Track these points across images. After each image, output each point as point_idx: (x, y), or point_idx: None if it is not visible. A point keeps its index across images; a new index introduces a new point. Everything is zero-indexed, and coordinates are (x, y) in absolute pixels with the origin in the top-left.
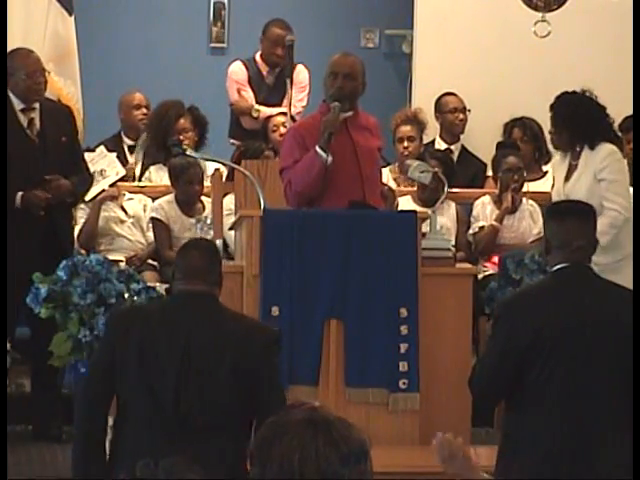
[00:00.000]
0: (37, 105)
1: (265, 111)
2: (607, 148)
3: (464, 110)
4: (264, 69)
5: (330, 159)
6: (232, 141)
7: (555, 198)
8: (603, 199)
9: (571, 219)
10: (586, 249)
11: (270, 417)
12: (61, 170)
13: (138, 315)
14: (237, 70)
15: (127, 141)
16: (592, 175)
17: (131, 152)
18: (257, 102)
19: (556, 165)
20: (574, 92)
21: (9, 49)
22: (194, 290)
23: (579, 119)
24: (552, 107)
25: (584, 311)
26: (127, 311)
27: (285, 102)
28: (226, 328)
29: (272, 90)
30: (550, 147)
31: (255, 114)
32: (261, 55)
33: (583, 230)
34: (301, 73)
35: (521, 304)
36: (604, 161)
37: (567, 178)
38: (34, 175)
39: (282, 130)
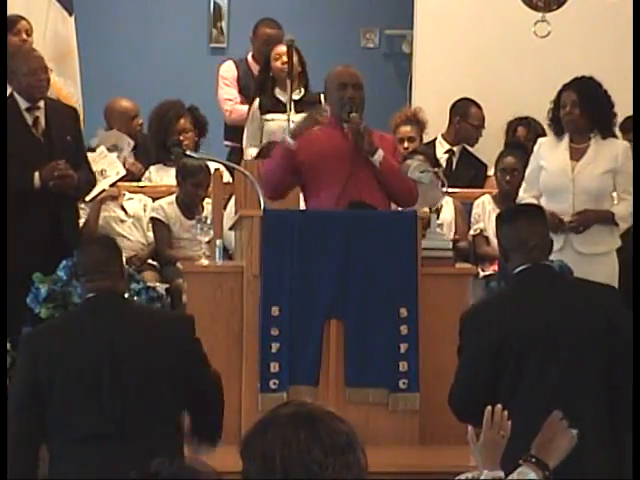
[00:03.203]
0: (42, 104)
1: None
2: (625, 143)
3: (483, 125)
4: (255, 68)
5: (293, 143)
6: (226, 143)
7: (556, 176)
8: (622, 190)
9: (522, 220)
10: (542, 248)
11: (206, 399)
12: None
13: (50, 333)
14: (226, 68)
15: None
16: (606, 165)
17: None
18: (245, 100)
19: (546, 144)
20: (591, 78)
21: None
22: (99, 290)
23: (601, 105)
24: (573, 87)
25: (549, 312)
26: (39, 332)
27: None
28: (142, 326)
29: None
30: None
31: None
32: (253, 55)
33: (535, 229)
34: None
35: (484, 313)
36: (625, 154)
37: (574, 158)
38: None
39: (284, 59)
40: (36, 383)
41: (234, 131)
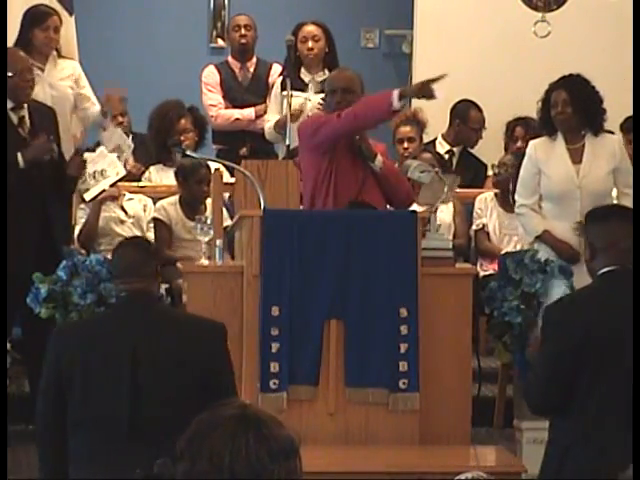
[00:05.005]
0: (25, 104)
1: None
2: (618, 138)
3: (484, 127)
4: (236, 67)
5: (398, 104)
6: (214, 147)
7: (561, 182)
8: (623, 186)
9: (615, 220)
10: (631, 251)
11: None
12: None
13: (79, 329)
14: (208, 73)
15: None
16: (608, 164)
17: None
18: (232, 104)
19: (541, 147)
20: (579, 75)
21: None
22: (133, 291)
23: (592, 103)
24: (563, 86)
25: (628, 317)
26: (69, 327)
27: (268, 101)
28: (171, 328)
29: (248, 90)
30: None
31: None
32: (232, 55)
33: (628, 231)
34: (277, 73)
35: (570, 306)
36: (620, 150)
37: (575, 160)
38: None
39: (310, 44)
40: (58, 380)
41: (221, 135)
